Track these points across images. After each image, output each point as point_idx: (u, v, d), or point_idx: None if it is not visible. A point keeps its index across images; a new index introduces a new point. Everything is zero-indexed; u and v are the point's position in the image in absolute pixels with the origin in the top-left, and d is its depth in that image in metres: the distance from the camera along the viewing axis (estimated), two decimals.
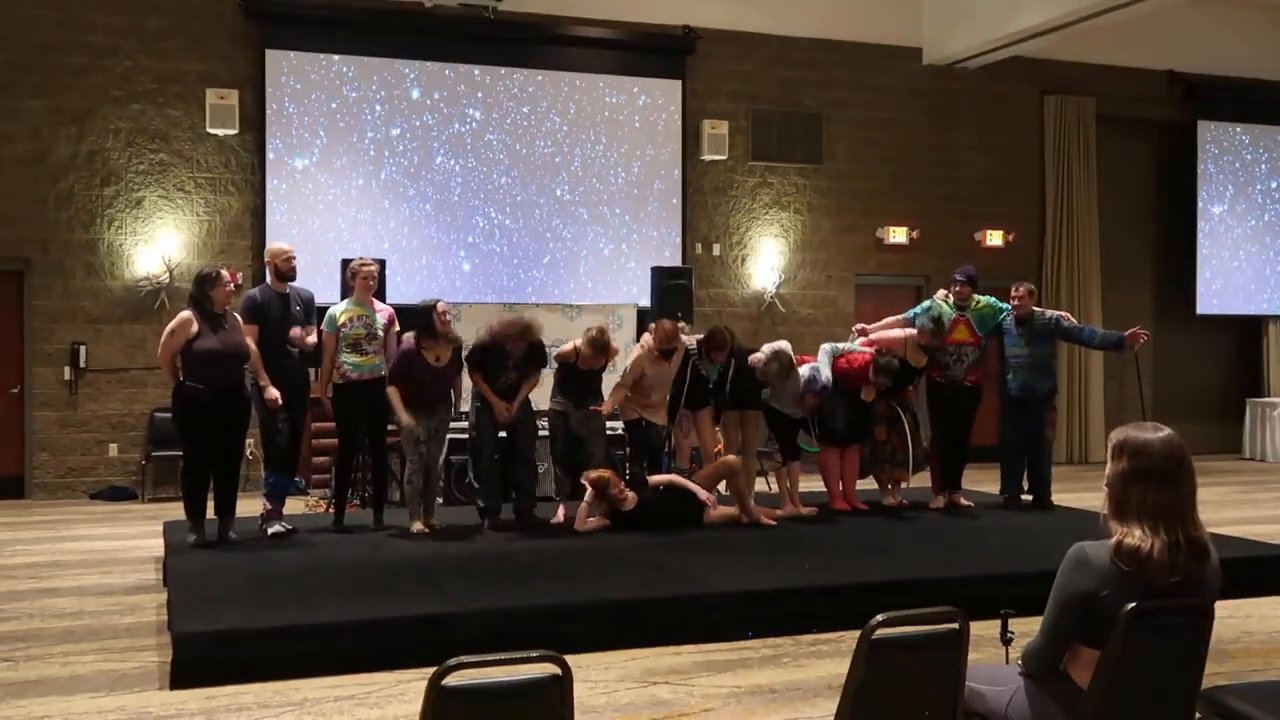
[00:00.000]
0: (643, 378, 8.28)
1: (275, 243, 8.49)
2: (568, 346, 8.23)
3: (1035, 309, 9.12)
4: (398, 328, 8.11)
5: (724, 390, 8.45)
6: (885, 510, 8.87)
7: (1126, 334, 8.99)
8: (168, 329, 7.25)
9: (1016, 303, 9.05)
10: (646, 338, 8.41)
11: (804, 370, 8.51)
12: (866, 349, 8.70)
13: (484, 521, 8.05)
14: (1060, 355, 13.96)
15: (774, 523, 8.11)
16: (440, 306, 7.75)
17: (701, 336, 8.53)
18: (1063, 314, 9.46)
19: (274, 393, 7.52)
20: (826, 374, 8.51)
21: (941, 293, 9.28)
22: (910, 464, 9.00)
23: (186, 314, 7.21)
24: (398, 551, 7.20)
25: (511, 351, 7.83)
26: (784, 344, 8.52)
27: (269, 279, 7.96)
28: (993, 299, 9.25)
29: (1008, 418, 9.18)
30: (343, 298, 9.05)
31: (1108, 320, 14.61)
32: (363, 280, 8.03)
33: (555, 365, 8.38)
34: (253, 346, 7.48)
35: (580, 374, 8.19)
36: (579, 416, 8.18)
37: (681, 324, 8.68)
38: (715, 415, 8.65)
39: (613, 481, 7.79)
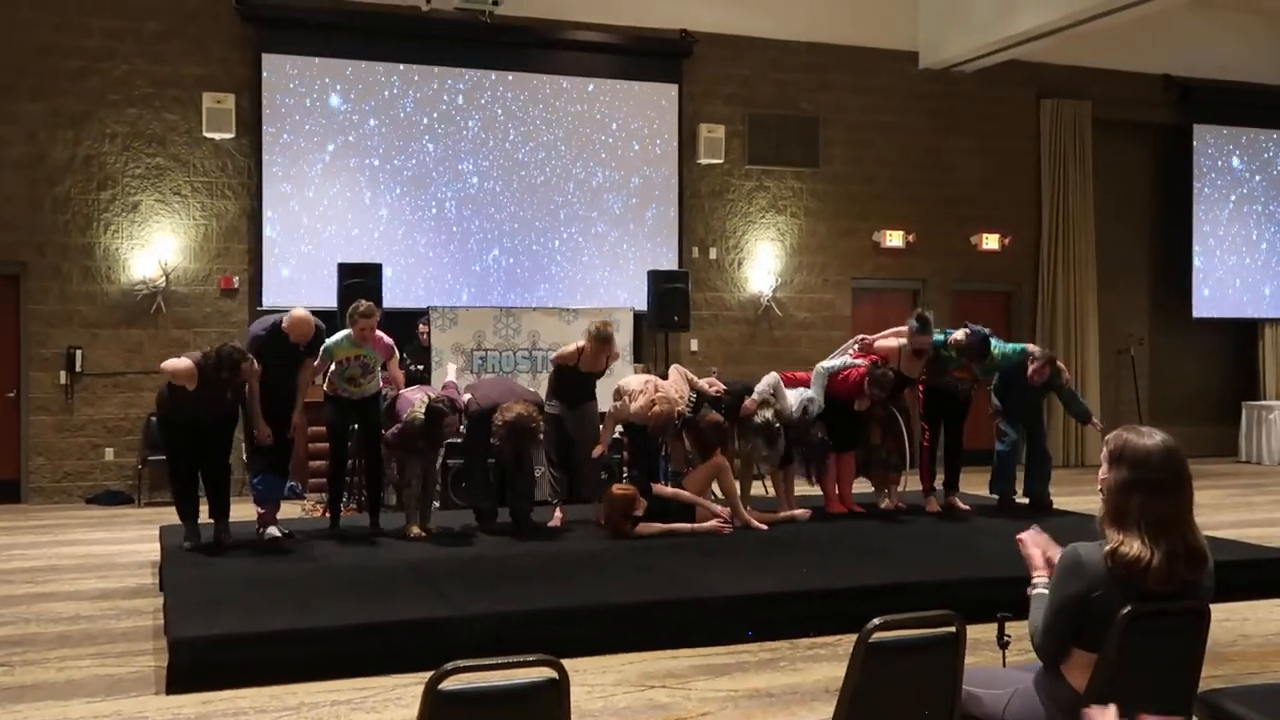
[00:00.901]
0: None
1: (299, 311, 7.79)
2: (570, 349, 8.24)
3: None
4: (399, 355, 8.08)
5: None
6: (882, 513, 8.89)
7: (1094, 421, 9.40)
8: (169, 368, 7.17)
9: (1035, 377, 8.89)
10: (644, 401, 8.07)
11: (794, 396, 8.50)
12: (860, 361, 8.71)
13: (480, 525, 8.05)
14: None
15: (765, 527, 8.10)
16: (450, 420, 7.62)
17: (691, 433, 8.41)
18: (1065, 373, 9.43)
19: (265, 430, 7.50)
20: (820, 401, 8.53)
21: (959, 334, 8.90)
22: (905, 465, 9.02)
23: (192, 369, 7.10)
24: (395, 555, 7.19)
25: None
26: (776, 382, 8.55)
27: (284, 324, 7.71)
28: (1008, 352, 8.95)
29: (1005, 422, 9.21)
30: (339, 304, 9.05)
31: (1103, 323, 14.69)
32: (359, 331, 7.73)
33: (552, 368, 8.37)
34: (254, 385, 7.44)
35: (578, 378, 8.20)
36: (573, 419, 8.18)
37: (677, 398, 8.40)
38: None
39: (636, 500, 7.80)
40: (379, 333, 7.91)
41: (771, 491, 9.10)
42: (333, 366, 7.85)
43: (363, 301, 7.97)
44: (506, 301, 11.84)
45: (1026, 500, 9.27)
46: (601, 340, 8.07)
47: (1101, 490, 3.17)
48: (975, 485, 9.85)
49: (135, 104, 11.33)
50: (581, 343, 8.17)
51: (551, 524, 8.10)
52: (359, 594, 6.07)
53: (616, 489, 7.86)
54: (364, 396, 7.91)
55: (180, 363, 7.16)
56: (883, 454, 8.96)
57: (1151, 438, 3.11)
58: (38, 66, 11.05)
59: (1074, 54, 14.15)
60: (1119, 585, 3.03)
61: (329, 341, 7.85)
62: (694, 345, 12.86)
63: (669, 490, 8.16)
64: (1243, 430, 15.38)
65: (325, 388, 7.95)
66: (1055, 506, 9.18)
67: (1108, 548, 3.06)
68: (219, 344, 7.39)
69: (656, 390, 8.14)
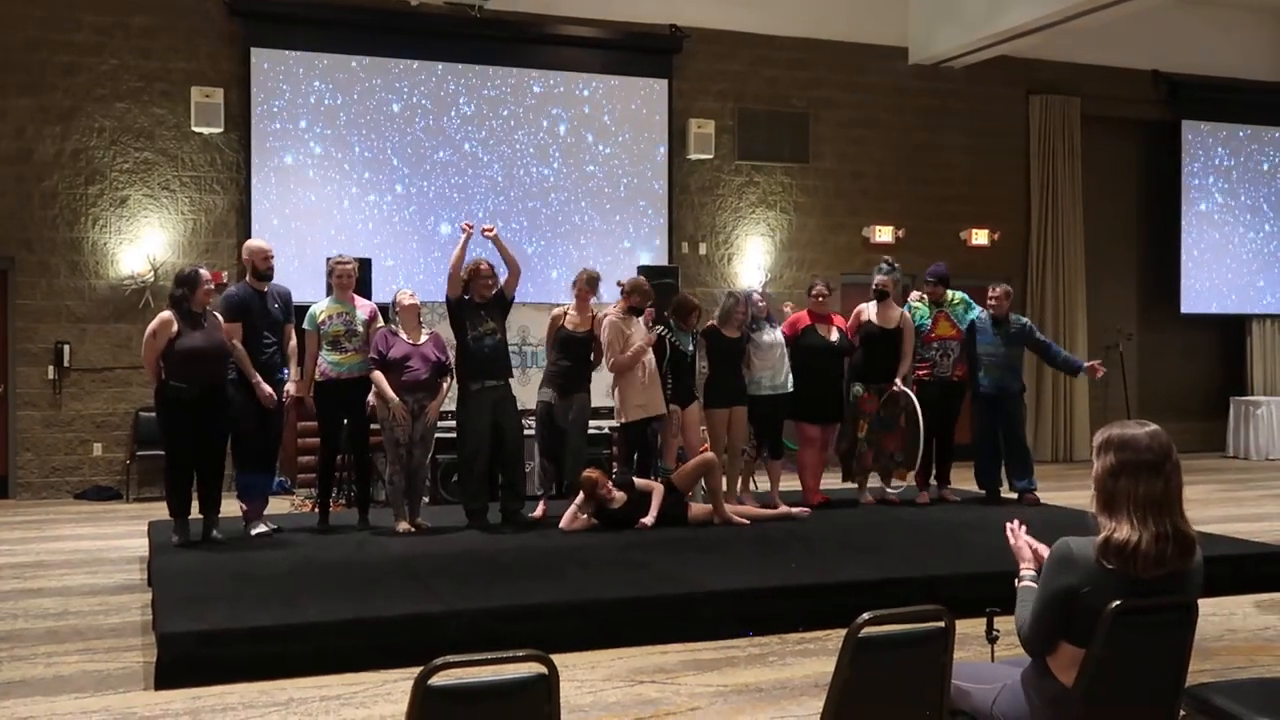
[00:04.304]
0: (628, 339, 8.32)
1: (254, 240, 8.38)
2: (557, 310, 8.35)
3: (1011, 314, 9.30)
4: (380, 323, 8.07)
5: (698, 366, 8.59)
6: (871, 508, 8.92)
7: (1086, 365, 9.36)
8: (149, 330, 7.26)
9: (994, 303, 9.20)
10: (610, 307, 8.47)
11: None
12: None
13: (470, 522, 8.04)
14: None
15: (746, 522, 8.11)
16: (399, 296, 7.87)
17: (670, 309, 8.74)
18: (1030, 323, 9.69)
19: (267, 389, 7.52)
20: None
21: (915, 294, 9.55)
22: (916, 461, 9.06)
23: (167, 314, 7.21)
24: (383, 551, 7.19)
25: (477, 294, 7.94)
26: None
27: (247, 277, 7.93)
28: (964, 295, 9.50)
29: (982, 416, 9.28)
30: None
31: (1092, 319, 14.72)
32: (339, 279, 8.02)
33: (549, 339, 8.34)
34: (239, 345, 7.49)
35: (574, 343, 8.21)
36: (561, 408, 8.18)
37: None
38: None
39: (600, 481, 7.80)
40: (360, 299, 8.13)
41: (762, 486, 9.11)
42: (319, 335, 7.89)
43: (339, 254, 8.34)
44: None
45: (1015, 496, 9.30)
46: (590, 285, 8.28)
47: (1094, 485, 3.18)
48: (972, 481, 9.88)
49: (123, 98, 11.30)
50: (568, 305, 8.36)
51: (535, 515, 8.13)
52: (348, 589, 6.07)
53: (582, 475, 7.88)
54: (351, 374, 7.88)
55: (156, 320, 7.25)
56: (887, 450, 9.00)
57: (1140, 427, 3.14)
58: (25, 61, 11.01)
59: (1063, 50, 14.17)
60: (1109, 579, 3.04)
61: (311, 309, 8.02)
62: None
63: (645, 483, 8.14)
64: (1230, 425, 15.43)
65: (314, 375, 7.95)
66: (1043, 502, 9.19)
67: (1100, 537, 3.07)
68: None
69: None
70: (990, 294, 9.29)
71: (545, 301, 11.15)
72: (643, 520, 7.81)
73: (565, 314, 8.30)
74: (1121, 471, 3.09)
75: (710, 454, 8.25)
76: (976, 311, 9.34)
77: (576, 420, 8.26)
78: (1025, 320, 9.50)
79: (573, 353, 8.25)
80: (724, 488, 8.30)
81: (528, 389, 8.67)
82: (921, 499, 9.17)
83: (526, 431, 8.44)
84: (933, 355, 9.10)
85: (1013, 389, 9.23)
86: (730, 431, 8.63)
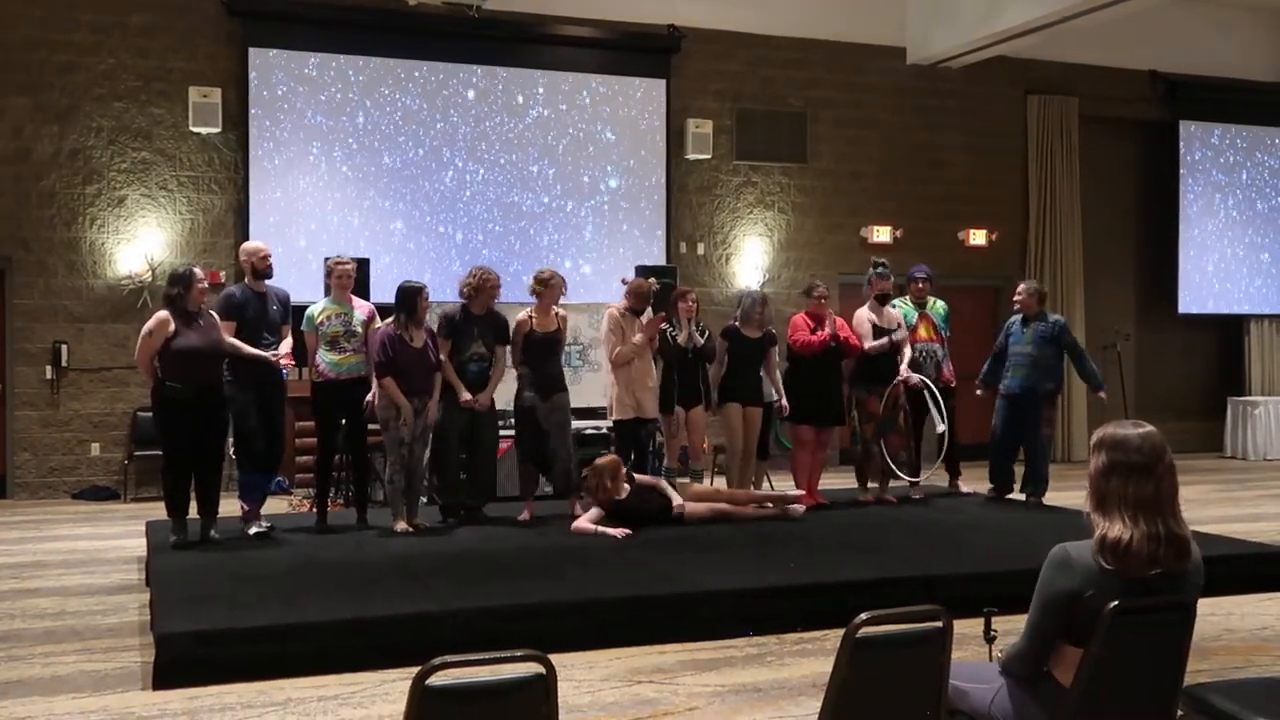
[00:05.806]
0: (628, 336, 8.37)
1: (251, 242, 8.41)
2: (521, 315, 8.30)
3: (1045, 312, 9.27)
4: (379, 324, 8.06)
5: (703, 359, 8.69)
6: (869, 508, 8.92)
7: (1104, 389, 9.30)
8: (145, 329, 7.26)
9: (1019, 300, 9.17)
10: (612, 305, 8.53)
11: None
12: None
13: (444, 519, 8.06)
14: None
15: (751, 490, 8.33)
16: (426, 293, 7.82)
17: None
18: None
19: (269, 354, 7.56)
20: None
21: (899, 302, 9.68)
22: (915, 463, 9.10)
23: (163, 314, 7.21)
24: (381, 550, 7.19)
25: (475, 314, 7.97)
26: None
27: (246, 278, 7.93)
28: (945, 305, 9.78)
29: (1001, 413, 9.25)
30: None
31: (1090, 319, 14.71)
32: (338, 278, 8.00)
33: (518, 344, 8.30)
34: (234, 340, 7.49)
35: (539, 343, 8.19)
36: (545, 409, 8.18)
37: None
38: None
39: (618, 466, 7.86)
40: (358, 300, 8.11)
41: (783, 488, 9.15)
42: (316, 337, 7.88)
43: (337, 254, 8.34)
44: None
45: (1024, 497, 9.26)
46: (542, 284, 8.24)
47: (1088, 483, 3.19)
48: (975, 480, 9.88)
49: (121, 98, 11.29)
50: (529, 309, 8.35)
51: (521, 518, 8.13)
52: (346, 589, 6.07)
53: (599, 460, 7.91)
54: (349, 375, 7.88)
55: (152, 320, 7.25)
56: (894, 450, 9.02)
57: (1135, 428, 3.15)
58: (24, 60, 11.00)
59: (1061, 50, 14.18)
60: (1109, 580, 3.04)
61: (309, 309, 8.02)
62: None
63: (647, 479, 8.15)
64: (1228, 426, 15.43)
65: (312, 375, 7.95)
66: (1044, 502, 9.17)
67: (1095, 536, 3.08)
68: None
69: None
70: (1016, 294, 9.30)
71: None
72: (675, 506, 7.92)
73: (531, 317, 8.25)
74: (1113, 471, 3.10)
75: (728, 507, 8.26)
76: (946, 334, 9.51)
77: (560, 420, 8.26)
78: (1059, 318, 9.36)
79: (545, 352, 8.26)
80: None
81: (503, 388, 8.65)
82: (916, 494, 9.24)
83: (504, 432, 8.42)
84: (916, 359, 9.12)
85: (1041, 389, 9.09)
86: (746, 431, 8.67)
